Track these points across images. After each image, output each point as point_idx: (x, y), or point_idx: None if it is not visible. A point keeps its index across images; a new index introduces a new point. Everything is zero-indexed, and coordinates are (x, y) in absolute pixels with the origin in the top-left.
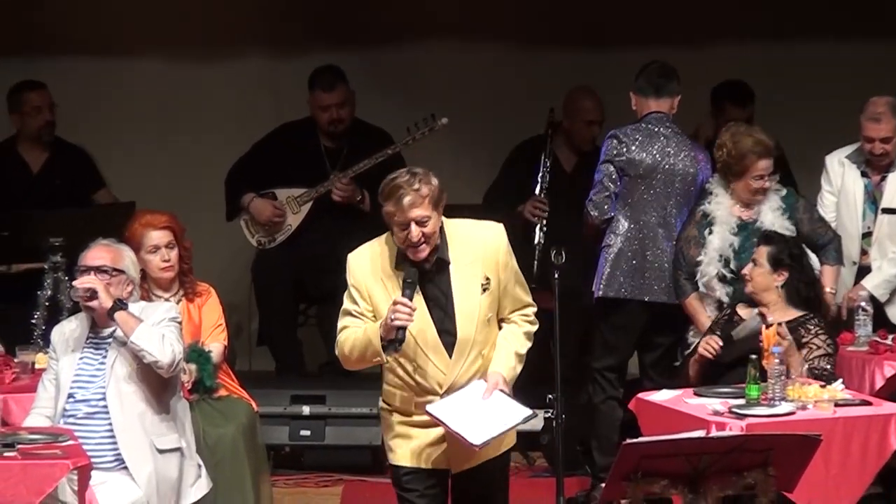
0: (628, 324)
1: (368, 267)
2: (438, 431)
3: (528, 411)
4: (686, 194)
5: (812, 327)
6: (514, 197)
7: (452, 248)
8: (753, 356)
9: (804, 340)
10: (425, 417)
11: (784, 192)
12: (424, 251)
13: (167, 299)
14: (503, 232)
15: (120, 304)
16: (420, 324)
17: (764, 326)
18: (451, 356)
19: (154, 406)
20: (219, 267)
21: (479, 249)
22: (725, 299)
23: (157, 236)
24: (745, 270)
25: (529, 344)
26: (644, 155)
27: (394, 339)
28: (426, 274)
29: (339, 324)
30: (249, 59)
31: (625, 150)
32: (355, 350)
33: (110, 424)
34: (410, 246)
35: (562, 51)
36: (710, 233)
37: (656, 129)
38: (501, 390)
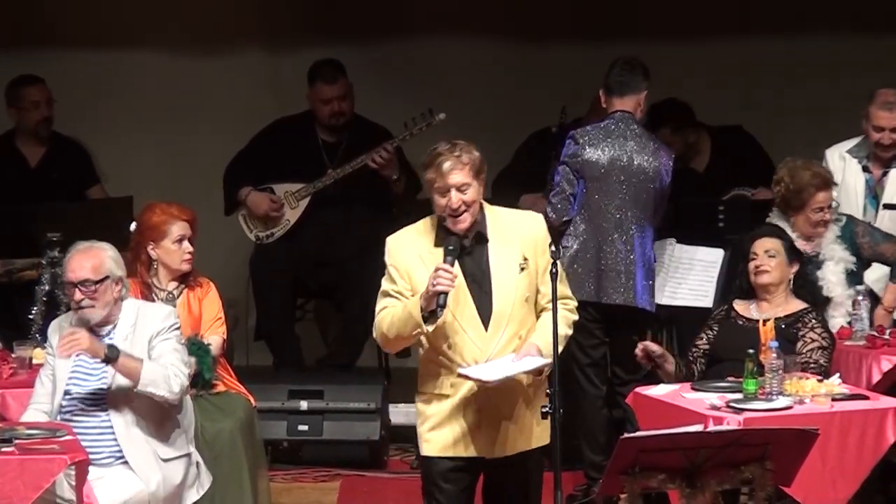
0: (588, 323)
1: (408, 247)
2: (473, 419)
3: (546, 360)
4: (646, 196)
5: (809, 321)
6: (522, 186)
7: (492, 228)
8: (751, 350)
9: (800, 333)
10: (458, 401)
11: (843, 220)
12: (466, 220)
13: (170, 292)
14: (544, 221)
15: (112, 354)
16: (457, 298)
17: (762, 322)
18: (486, 329)
19: (153, 404)
20: (217, 262)
21: (519, 232)
22: None
23: (184, 227)
24: (762, 262)
25: (570, 332)
26: (599, 156)
27: (435, 307)
28: (464, 249)
29: (378, 306)
30: (248, 54)
31: (580, 151)
32: (394, 326)
33: (107, 420)
34: (451, 214)
35: (562, 46)
36: None
37: (616, 129)
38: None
